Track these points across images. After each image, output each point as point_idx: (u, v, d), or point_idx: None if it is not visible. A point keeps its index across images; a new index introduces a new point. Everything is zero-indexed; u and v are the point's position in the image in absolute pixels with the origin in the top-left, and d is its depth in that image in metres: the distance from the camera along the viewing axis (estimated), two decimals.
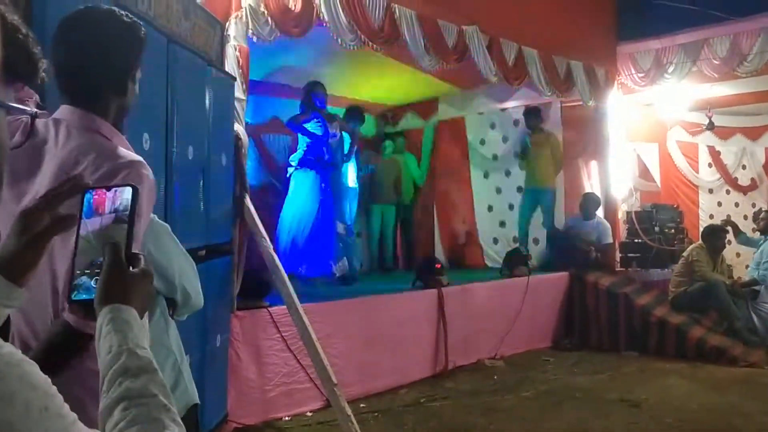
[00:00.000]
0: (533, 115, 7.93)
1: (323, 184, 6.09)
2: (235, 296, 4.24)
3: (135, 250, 0.97)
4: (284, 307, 4.29)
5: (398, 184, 8.33)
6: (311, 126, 6.17)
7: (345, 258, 6.33)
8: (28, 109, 0.73)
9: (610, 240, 7.72)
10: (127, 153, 1.68)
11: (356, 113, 7.06)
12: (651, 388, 5.34)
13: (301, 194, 6.06)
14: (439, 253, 8.98)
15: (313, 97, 6.19)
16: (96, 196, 1.00)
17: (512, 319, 6.45)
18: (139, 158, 1.70)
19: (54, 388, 0.62)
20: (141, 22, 1.71)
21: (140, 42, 1.72)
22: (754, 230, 7.81)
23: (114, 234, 0.97)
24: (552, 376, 5.77)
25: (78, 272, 0.99)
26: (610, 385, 5.47)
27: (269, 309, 4.45)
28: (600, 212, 7.89)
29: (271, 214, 6.12)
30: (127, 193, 0.99)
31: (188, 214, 3.34)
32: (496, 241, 8.90)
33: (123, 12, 1.70)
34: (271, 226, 5.82)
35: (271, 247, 4.28)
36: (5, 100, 0.70)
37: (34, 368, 0.60)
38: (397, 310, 5.49)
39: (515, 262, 7.12)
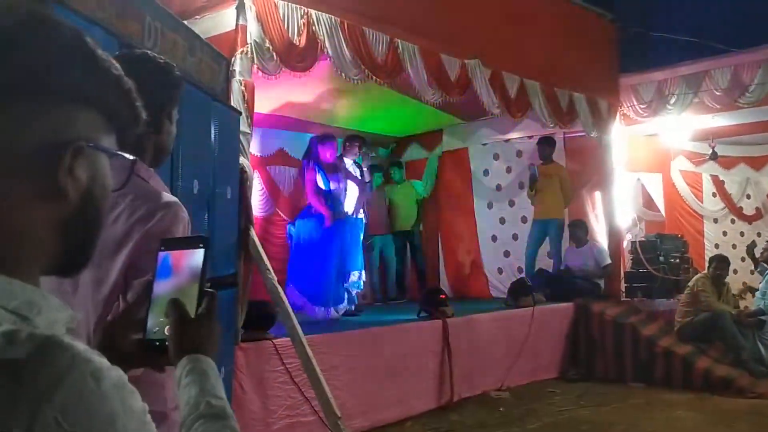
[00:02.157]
0: (547, 144, 7.99)
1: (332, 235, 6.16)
2: (239, 328, 4.25)
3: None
4: (288, 338, 4.30)
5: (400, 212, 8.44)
6: (320, 180, 6.26)
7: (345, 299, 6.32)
8: (129, 156, 0.77)
9: (608, 261, 7.72)
10: (164, 194, 1.73)
11: (355, 140, 7.13)
12: (658, 421, 5.29)
13: (311, 243, 6.18)
14: (444, 283, 8.99)
15: (319, 150, 6.29)
16: (171, 257, 1.05)
17: (518, 350, 6.42)
18: (175, 199, 1.75)
19: (149, 416, 0.66)
20: (173, 63, 1.77)
21: (173, 81, 1.79)
22: (742, 260, 7.81)
23: (187, 290, 1.01)
24: (558, 408, 5.73)
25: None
26: (616, 418, 5.42)
27: (273, 341, 4.46)
28: (602, 237, 7.91)
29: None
30: (199, 254, 1.03)
31: None
32: (500, 271, 8.89)
33: (155, 54, 1.78)
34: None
35: (275, 279, 4.30)
36: (109, 147, 0.74)
37: (135, 395, 0.64)
38: (402, 341, 5.48)
39: (520, 292, 7.11)
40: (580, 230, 7.77)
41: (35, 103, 0.67)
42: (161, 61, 1.78)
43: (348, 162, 6.98)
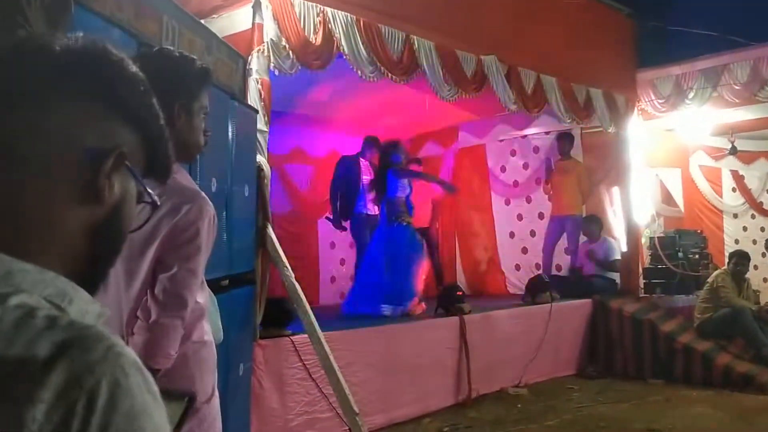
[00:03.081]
0: (566, 140, 7.96)
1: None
2: (257, 325, 4.28)
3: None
4: (306, 335, 4.32)
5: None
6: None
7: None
8: (156, 200, 0.80)
9: (617, 256, 7.67)
10: (189, 188, 1.75)
11: (373, 142, 7.14)
12: (678, 418, 5.26)
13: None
14: (461, 280, 8.98)
15: (393, 157, 6.35)
16: None
17: (536, 347, 6.41)
18: (201, 193, 1.77)
19: (166, 422, 0.66)
20: (194, 56, 1.78)
21: (191, 74, 1.80)
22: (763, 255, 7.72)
23: None
24: (576, 405, 5.71)
25: None
26: (635, 415, 5.40)
27: (291, 338, 4.48)
28: (621, 234, 7.86)
29: None
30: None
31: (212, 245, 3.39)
32: (518, 267, 8.87)
33: (172, 49, 1.79)
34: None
35: (293, 276, 4.32)
36: (140, 178, 0.78)
37: (159, 404, 0.65)
38: (419, 338, 5.49)
39: (538, 289, 7.09)
40: (595, 226, 7.73)
41: (91, 109, 0.72)
42: (177, 54, 1.79)
43: (365, 163, 7.01)
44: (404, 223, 6.30)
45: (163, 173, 0.82)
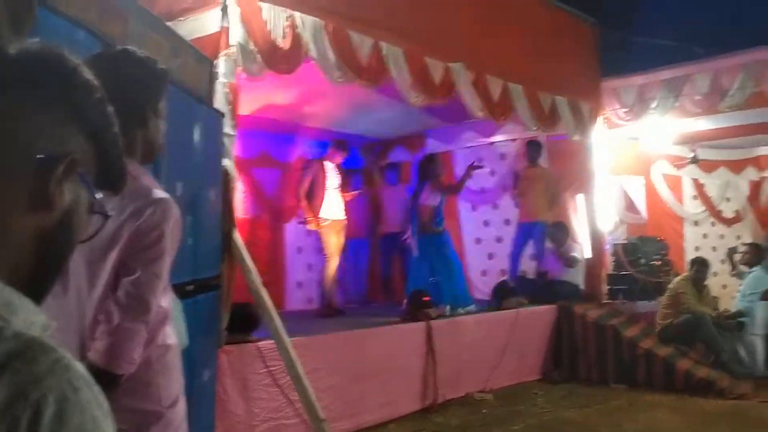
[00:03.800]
0: (535, 147, 8.05)
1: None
2: (222, 331, 4.24)
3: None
4: (272, 341, 4.29)
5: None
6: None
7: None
8: (109, 213, 0.79)
9: (575, 253, 7.75)
10: (154, 191, 1.72)
11: (340, 146, 7.14)
12: (640, 422, 5.34)
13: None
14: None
15: (431, 170, 6.92)
16: None
17: (501, 352, 6.45)
18: (166, 195, 1.75)
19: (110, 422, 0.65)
20: (155, 58, 1.76)
21: (156, 75, 1.78)
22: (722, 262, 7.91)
23: None
24: (541, 410, 5.76)
25: None
26: (599, 419, 5.47)
27: (257, 343, 4.45)
28: (585, 241, 7.96)
29: None
30: None
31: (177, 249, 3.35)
32: (484, 273, 8.93)
33: (135, 49, 1.77)
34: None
35: (259, 280, 4.29)
36: (92, 187, 0.76)
37: (109, 419, 0.63)
38: (386, 343, 5.49)
39: (503, 294, 7.14)
40: (560, 231, 7.81)
41: (45, 115, 0.71)
42: (141, 55, 1.77)
43: (330, 166, 6.99)
44: (439, 231, 6.91)
45: (116, 183, 0.81)
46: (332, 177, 6.97)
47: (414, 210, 6.89)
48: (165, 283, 1.84)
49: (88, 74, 0.75)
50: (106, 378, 1.64)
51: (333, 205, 6.95)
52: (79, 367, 0.61)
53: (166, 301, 1.87)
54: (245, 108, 5.52)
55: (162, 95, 1.82)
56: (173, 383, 1.89)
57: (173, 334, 1.94)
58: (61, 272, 0.76)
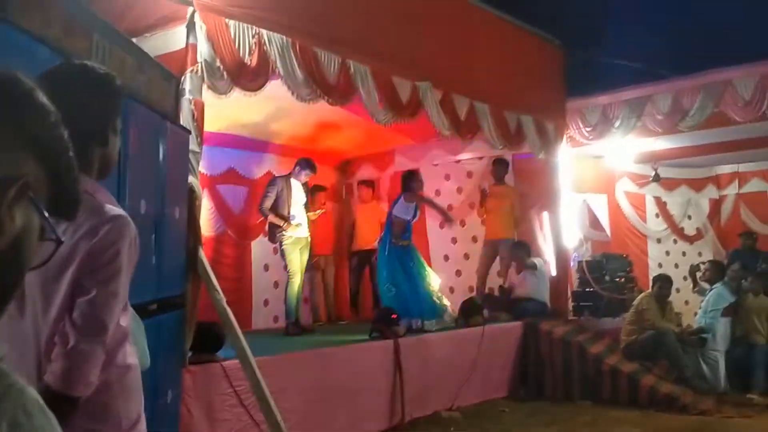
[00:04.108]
0: (501, 165, 8.12)
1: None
2: (187, 350, 4.18)
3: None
4: (237, 360, 4.24)
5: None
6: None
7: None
8: (61, 238, 0.77)
9: (534, 260, 7.80)
10: (110, 208, 1.69)
11: (307, 164, 7.11)
12: None
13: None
14: None
15: (409, 183, 7.00)
16: None
17: (468, 370, 6.45)
18: (122, 213, 1.72)
19: None
20: (113, 74, 1.74)
21: (116, 92, 1.76)
22: (684, 279, 8.07)
23: None
24: (508, 428, 5.77)
25: None
26: None
27: (222, 363, 4.39)
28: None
29: None
30: None
31: (139, 268, 3.28)
32: (452, 290, 8.95)
33: (95, 65, 1.74)
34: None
35: (224, 299, 4.24)
36: (45, 214, 0.74)
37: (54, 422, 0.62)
38: (353, 361, 5.46)
39: (471, 311, 7.16)
40: (522, 250, 7.82)
41: None
42: (102, 72, 1.75)
43: (296, 184, 6.97)
44: (405, 244, 6.94)
45: (69, 209, 0.79)
46: (298, 195, 6.94)
47: (389, 221, 6.93)
48: (123, 302, 1.81)
49: (42, 98, 0.74)
50: (63, 401, 1.60)
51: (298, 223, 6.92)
52: (33, 394, 0.60)
53: (125, 320, 1.83)
54: (212, 125, 5.48)
55: (120, 112, 1.80)
56: (133, 405, 1.85)
57: (133, 354, 1.91)
58: (12, 298, 0.74)
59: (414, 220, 7.08)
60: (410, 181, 7.02)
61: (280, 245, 6.87)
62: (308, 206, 7.17)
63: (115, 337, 1.77)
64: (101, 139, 1.72)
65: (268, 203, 6.80)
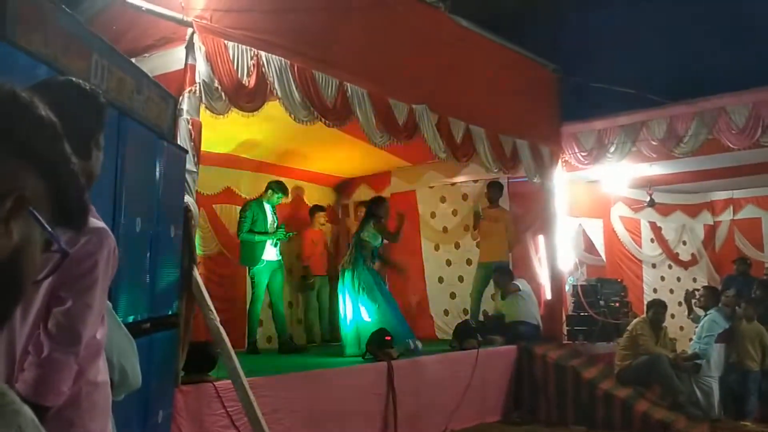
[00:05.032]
0: (496, 188, 8.15)
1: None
2: (179, 370, 4.16)
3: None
4: (230, 381, 4.22)
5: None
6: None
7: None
8: (68, 250, 0.76)
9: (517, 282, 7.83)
10: (91, 220, 1.70)
11: (279, 187, 7.15)
12: None
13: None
14: None
15: (375, 209, 6.95)
16: None
17: (462, 393, 6.42)
18: (102, 225, 1.73)
19: None
20: (99, 89, 1.77)
21: (100, 107, 1.79)
22: (679, 304, 8.08)
23: None
24: None
25: None
26: None
27: (214, 383, 4.37)
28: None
29: None
30: None
31: (133, 287, 3.31)
32: (446, 312, 8.94)
33: (80, 81, 1.77)
34: None
35: (218, 319, 4.24)
36: (47, 225, 0.73)
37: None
38: (346, 383, 5.44)
39: (465, 334, 7.14)
40: (504, 276, 7.83)
41: None
42: (87, 87, 1.77)
43: (268, 208, 7.04)
44: (370, 266, 6.86)
45: (77, 220, 0.78)
46: (270, 218, 7.01)
47: (358, 243, 6.85)
48: (98, 314, 1.81)
49: (41, 110, 0.74)
50: (33, 410, 1.60)
51: (268, 247, 6.97)
52: (30, 414, 0.61)
53: (100, 333, 1.83)
54: (209, 144, 5.51)
55: (104, 127, 1.82)
56: (100, 423, 1.84)
57: (105, 372, 1.90)
58: (14, 311, 0.74)
59: (381, 245, 7.03)
60: (376, 208, 6.98)
61: (249, 270, 6.95)
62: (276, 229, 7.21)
63: (89, 350, 1.77)
64: (84, 153, 1.73)
65: (245, 228, 6.88)
